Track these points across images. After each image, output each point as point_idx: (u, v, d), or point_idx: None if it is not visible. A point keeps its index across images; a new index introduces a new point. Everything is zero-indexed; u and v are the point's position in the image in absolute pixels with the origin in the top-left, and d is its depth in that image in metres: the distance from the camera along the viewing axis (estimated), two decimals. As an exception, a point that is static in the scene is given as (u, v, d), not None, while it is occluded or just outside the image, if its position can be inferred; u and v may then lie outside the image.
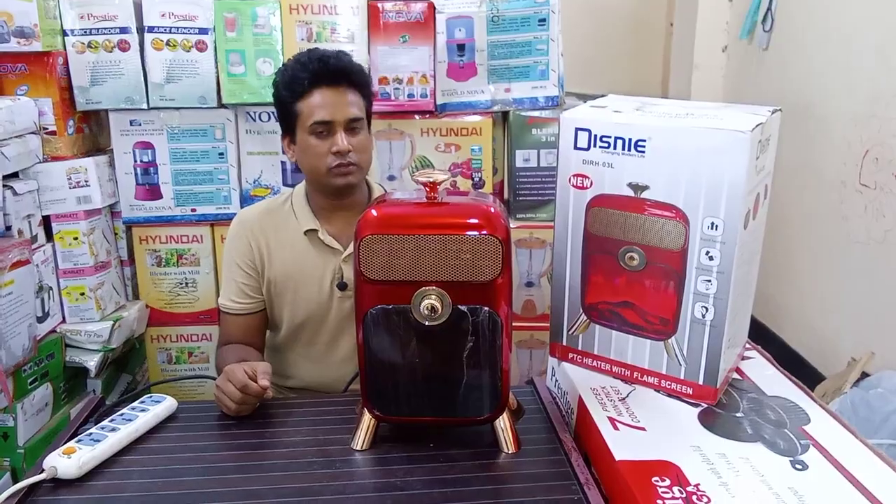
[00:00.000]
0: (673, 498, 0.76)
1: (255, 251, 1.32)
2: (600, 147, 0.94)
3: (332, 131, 1.24)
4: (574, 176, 0.98)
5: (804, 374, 1.93)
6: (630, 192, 0.94)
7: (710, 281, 0.92)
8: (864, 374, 1.66)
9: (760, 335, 2.29)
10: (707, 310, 0.93)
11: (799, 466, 0.82)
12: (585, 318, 1.03)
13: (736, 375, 1.04)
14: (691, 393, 0.97)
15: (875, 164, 1.83)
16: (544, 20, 1.76)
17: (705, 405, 0.96)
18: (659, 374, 0.99)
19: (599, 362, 1.04)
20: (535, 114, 1.81)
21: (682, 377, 0.97)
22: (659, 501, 0.76)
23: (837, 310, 2.02)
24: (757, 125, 0.87)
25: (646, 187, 0.93)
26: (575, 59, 2.01)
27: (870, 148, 1.85)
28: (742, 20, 2.55)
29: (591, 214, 0.98)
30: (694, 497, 0.76)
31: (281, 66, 1.33)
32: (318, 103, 1.24)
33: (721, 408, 0.95)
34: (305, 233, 1.31)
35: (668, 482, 0.79)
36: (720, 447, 0.86)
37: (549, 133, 1.82)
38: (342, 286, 1.30)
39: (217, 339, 1.45)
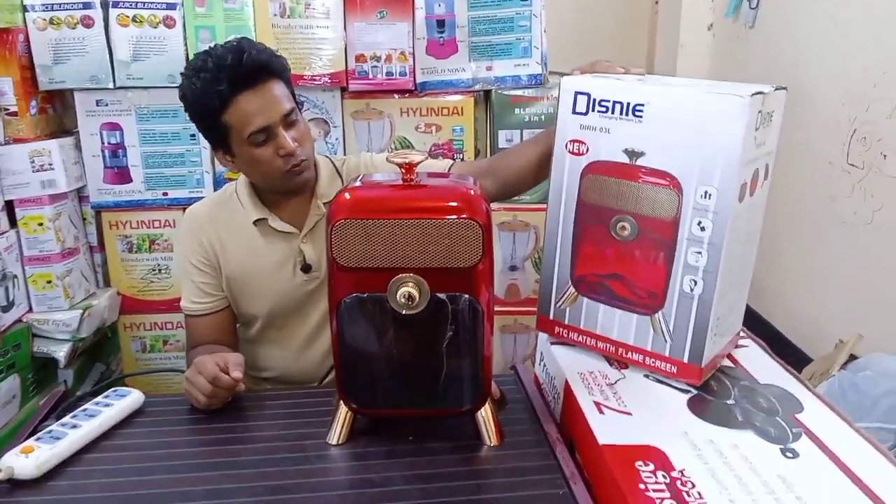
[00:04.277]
0: (656, 483, 0.74)
1: (209, 248, 1.25)
2: (598, 112, 0.93)
3: (273, 134, 1.14)
4: (571, 142, 0.96)
5: (791, 356, 1.92)
6: (625, 159, 0.92)
7: (700, 253, 0.89)
8: (853, 357, 1.64)
9: (746, 317, 2.27)
10: (696, 283, 0.91)
11: (789, 454, 0.79)
12: (574, 290, 1.01)
13: (729, 363, 1.02)
14: (675, 371, 0.94)
15: (863, 144, 1.81)
16: (527, -5, 1.70)
17: (695, 391, 0.93)
18: (644, 351, 0.97)
19: (585, 337, 1.01)
20: (518, 93, 1.77)
21: (667, 354, 0.95)
22: (641, 486, 0.73)
23: (825, 291, 2.01)
24: (757, 92, 0.85)
25: (641, 154, 0.91)
26: (558, 36, 1.95)
27: (858, 127, 1.83)
28: (728, -3, 2.51)
29: (586, 182, 0.96)
30: (678, 482, 0.74)
31: (182, 78, 1.16)
32: (249, 111, 1.12)
33: (711, 394, 0.93)
34: (255, 223, 1.24)
35: (651, 467, 0.76)
36: (709, 433, 0.83)
37: (532, 112, 1.77)
38: (306, 269, 1.24)
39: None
